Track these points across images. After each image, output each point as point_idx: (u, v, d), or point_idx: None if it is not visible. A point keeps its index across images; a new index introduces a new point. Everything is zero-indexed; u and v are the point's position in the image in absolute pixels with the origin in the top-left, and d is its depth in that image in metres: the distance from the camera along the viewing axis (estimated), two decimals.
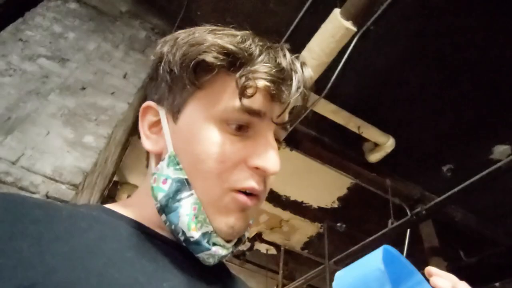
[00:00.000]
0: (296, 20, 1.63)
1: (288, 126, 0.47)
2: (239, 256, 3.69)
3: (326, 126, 2.09)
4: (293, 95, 0.42)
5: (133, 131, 2.13)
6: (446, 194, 1.60)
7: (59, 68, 1.54)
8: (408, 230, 1.88)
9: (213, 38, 0.42)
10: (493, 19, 1.54)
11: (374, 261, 0.39)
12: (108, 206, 0.44)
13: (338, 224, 2.80)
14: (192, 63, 0.41)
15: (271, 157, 0.41)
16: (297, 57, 0.46)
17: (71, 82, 1.50)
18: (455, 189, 1.53)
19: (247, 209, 0.43)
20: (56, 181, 1.19)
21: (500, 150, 1.94)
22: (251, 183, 0.41)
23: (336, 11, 1.46)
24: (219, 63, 0.41)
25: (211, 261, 0.42)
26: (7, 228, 0.31)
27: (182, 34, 0.45)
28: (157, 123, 0.46)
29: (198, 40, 0.42)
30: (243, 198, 0.41)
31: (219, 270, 0.47)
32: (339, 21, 1.44)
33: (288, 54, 0.44)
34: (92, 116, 1.42)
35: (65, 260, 0.31)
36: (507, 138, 1.91)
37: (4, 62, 1.44)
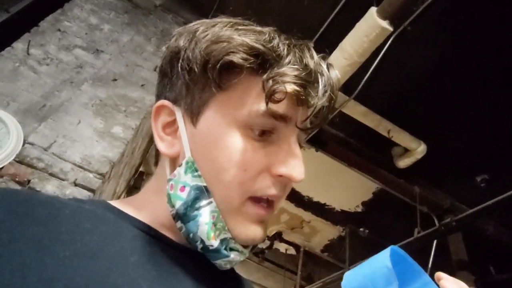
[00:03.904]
0: (330, 18, 1.59)
1: (312, 130, 0.45)
2: (258, 254, 3.69)
3: (355, 128, 2.03)
4: (320, 99, 0.40)
5: None
6: (480, 206, 1.51)
7: (93, 59, 1.58)
8: (435, 242, 1.80)
9: (240, 36, 0.39)
10: None
11: (382, 259, 0.39)
12: (114, 203, 0.42)
13: (361, 229, 2.73)
14: (219, 63, 0.38)
15: (296, 165, 0.40)
16: (323, 57, 0.43)
17: (104, 73, 1.53)
18: (490, 202, 1.44)
19: (265, 220, 0.42)
20: (85, 169, 1.22)
21: None
22: (273, 191, 0.40)
23: (373, 10, 1.40)
24: (248, 65, 0.38)
25: (228, 266, 0.41)
26: (7, 230, 0.30)
27: (201, 27, 0.42)
28: (172, 123, 0.43)
29: (223, 37, 0.39)
30: (261, 210, 0.41)
31: (227, 274, 0.45)
32: (375, 20, 1.38)
33: (314, 54, 0.42)
34: (121, 107, 1.45)
35: (65, 265, 0.30)
36: None
37: (42, 51, 1.50)
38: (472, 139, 1.96)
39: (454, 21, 1.57)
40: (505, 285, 2.45)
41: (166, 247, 0.39)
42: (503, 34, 1.53)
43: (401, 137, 1.93)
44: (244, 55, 0.38)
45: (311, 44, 0.44)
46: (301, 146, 0.46)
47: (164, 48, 0.46)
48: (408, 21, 1.46)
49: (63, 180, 1.17)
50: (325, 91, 0.40)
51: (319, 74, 0.41)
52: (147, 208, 0.43)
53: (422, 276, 0.43)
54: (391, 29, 1.39)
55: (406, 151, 2.03)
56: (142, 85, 1.57)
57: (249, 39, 0.38)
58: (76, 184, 1.18)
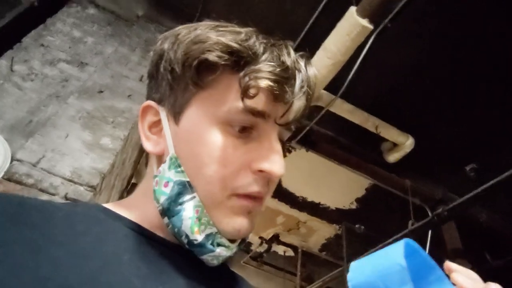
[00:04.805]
0: (312, 19, 1.61)
1: (292, 127, 0.45)
2: (256, 258, 3.69)
3: (343, 126, 2.05)
4: (297, 94, 0.41)
5: None
6: (469, 194, 1.54)
7: (78, 72, 1.57)
8: (430, 232, 1.83)
9: (216, 36, 0.40)
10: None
11: (395, 255, 0.36)
12: (107, 205, 0.44)
13: (357, 226, 2.75)
14: (195, 62, 0.40)
15: (276, 160, 0.40)
16: (301, 55, 0.44)
17: (89, 85, 1.53)
18: (479, 189, 1.47)
19: (252, 211, 0.42)
20: (75, 182, 1.21)
21: None
22: (255, 188, 0.41)
23: (352, 9, 1.43)
24: (223, 62, 0.39)
25: (215, 262, 0.41)
26: (1, 232, 0.30)
27: (184, 31, 0.43)
28: (158, 123, 0.45)
29: (201, 37, 0.41)
30: (247, 202, 0.41)
31: (221, 271, 0.46)
32: (355, 19, 1.41)
33: (292, 52, 0.43)
34: (109, 118, 1.45)
35: (59, 265, 0.30)
36: None
37: (27, 67, 1.49)
38: (458, 130, 2.00)
39: (432, 17, 1.61)
40: (502, 271, 2.49)
41: (157, 246, 0.40)
42: (479, 27, 1.57)
43: (389, 132, 1.96)
44: (219, 53, 0.39)
45: (291, 43, 0.45)
46: (284, 143, 0.46)
47: (151, 53, 0.47)
48: (388, 18, 1.49)
49: (53, 195, 1.16)
50: (302, 87, 0.41)
51: (296, 71, 0.42)
52: (138, 208, 0.44)
53: (435, 270, 0.41)
54: (371, 27, 1.42)
55: (395, 145, 2.05)
56: (129, 96, 1.57)
57: (225, 38, 0.40)
58: (67, 198, 1.17)
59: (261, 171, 0.40)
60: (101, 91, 1.52)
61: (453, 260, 1.92)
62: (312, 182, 2.69)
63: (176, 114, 0.43)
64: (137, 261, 0.36)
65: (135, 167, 2.09)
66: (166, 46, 0.43)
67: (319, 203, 2.90)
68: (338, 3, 1.52)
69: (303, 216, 3.10)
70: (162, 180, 0.41)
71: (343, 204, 2.81)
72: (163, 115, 0.44)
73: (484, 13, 1.54)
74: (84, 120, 1.40)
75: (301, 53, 0.45)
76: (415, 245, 0.41)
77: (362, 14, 1.40)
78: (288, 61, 0.41)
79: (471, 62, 1.70)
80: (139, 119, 0.46)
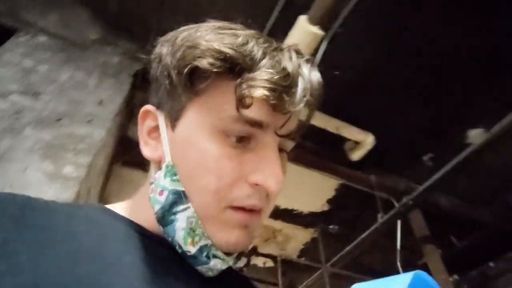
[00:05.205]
0: (265, 31, 1.67)
1: (296, 136, 0.42)
2: None
3: (307, 131, 2.11)
4: (297, 104, 0.38)
5: (115, 158, 2.11)
6: (428, 182, 1.64)
7: (32, 102, 1.52)
8: (399, 223, 1.91)
9: (209, 41, 0.38)
10: (451, 13, 1.63)
11: (399, 284, 0.33)
12: (110, 206, 0.43)
13: (331, 227, 2.81)
14: (186, 69, 0.38)
15: (272, 174, 0.38)
16: (306, 60, 0.41)
17: (46, 114, 1.48)
18: (435, 176, 1.57)
19: (249, 225, 0.40)
20: None
21: (474, 134, 2.02)
22: (251, 201, 0.39)
23: (303, 17, 1.50)
24: (214, 69, 0.37)
25: (210, 274, 0.40)
26: (2, 231, 0.30)
27: (184, 33, 0.42)
28: (156, 128, 0.43)
29: (196, 42, 0.39)
30: (242, 215, 0.39)
31: (224, 274, 0.44)
32: (306, 27, 1.48)
33: (295, 57, 0.40)
34: (70, 146, 1.40)
35: (58, 265, 0.30)
36: (478, 121, 1.99)
37: None
38: (412, 123, 2.13)
39: (379, 20, 1.72)
40: (467, 251, 2.64)
41: (160, 247, 0.39)
42: (423, 26, 1.70)
43: (350, 132, 2.05)
44: (211, 60, 0.37)
45: (296, 47, 0.42)
46: (289, 154, 0.45)
47: (152, 56, 0.46)
48: (337, 24, 1.57)
49: None
50: (303, 96, 0.38)
51: (298, 78, 0.39)
52: (140, 210, 0.43)
53: None
54: (322, 33, 1.50)
55: (356, 144, 2.15)
56: (89, 121, 1.53)
57: (217, 43, 0.38)
58: None
59: (257, 184, 0.38)
60: (59, 119, 1.47)
61: (422, 246, 2.02)
62: (283, 189, 2.68)
63: (172, 121, 0.41)
64: (138, 263, 0.36)
65: (101, 195, 2.02)
66: (164, 50, 0.42)
67: (292, 209, 2.93)
68: (289, 14, 1.60)
69: (278, 224, 3.11)
70: (157, 188, 0.40)
71: (316, 207, 2.86)
72: (161, 120, 0.43)
73: (421, 14, 1.68)
74: (43, 151, 1.35)
75: (306, 57, 0.42)
76: (426, 277, 0.36)
77: (312, 21, 1.48)
78: (290, 67, 0.38)
79: (420, 58, 1.83)
80: (139, 123, 0.45)
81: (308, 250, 3.40)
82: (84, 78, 1.65)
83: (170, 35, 0.44)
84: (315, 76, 0.41)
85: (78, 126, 1.49)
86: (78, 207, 0.40)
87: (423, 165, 2.18)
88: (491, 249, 2.61)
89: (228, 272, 0.45)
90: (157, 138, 0.43)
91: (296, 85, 0.38)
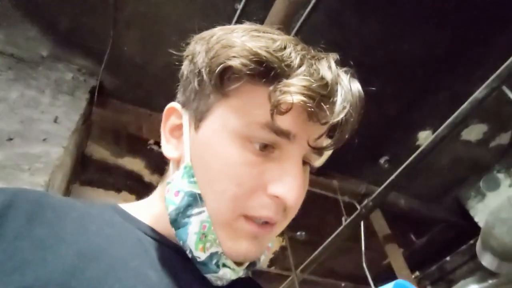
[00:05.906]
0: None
1: (326, 152, 0.41)
2: None
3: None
4: (336, 115, 0.36)
5: (73, 177, 2.02)
6: (385, 183, 1.74)
7: None
8: (362, 224, 1.99)
9: (245, 42, 0.36)
10: (394, 20, 1.76)
11: None
12: (123, 206, 0.42)
13: (298, 233, 2.85)
14: (218, 68, 0.36)
15: (294, 187, 0.37)
16: (346, 71, 0.40)
17: None
18: (391, 177, 1.68)
19: (259, 237, 0.39)
20: None
21: (423, 136, 2.17)
22: (267, 213, 0.38)
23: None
24: (248, 71, 0.36)
25: (219, 283, 0.39)
26: (14, 227, 0.30)
27: (220, 32, 0.40)
28: (180, 126, 0.43)
29: (231, 41, 0.37)
30: (253, 227, 0.38)
31: (235, 281, 0.42)
32: None
33: (334, 66, 0.39)
34: (24, 166, 1.34)
35: (66, 264, 0.30)
36: (427, 124, 2.14)
37: None
38: (367, 129, 2.24)
39: (331, 28, 1.82)
40: (426, 248, 2.79)
41: (169, 252, 0.39)
42: (367, 32, 1.82)
43: None
44: (245, 61, 0.35)
45: (334, 56, 0.41)
46: (313, 168, 0.44)
47: (184, 53, 0.44)
48: (294, 31, 1.64)
49: None
50: (343, 107, 0.36)
51: (338, 88, 0.37)
52: (154, 211, 0.42)
53: None
54: None
55: None
56: (44, 139, 1.47)
57: (254, 45, 0.36)
58: None
59: (275, 196, 0.37)
60: (11, 139, 1.40)
61: (385, 246, 2.10)
62: None
63: (197, 121, 0.40)
64: (146, 267, 0.35)
65: None
66: (197, 47, 0.41)
67: None
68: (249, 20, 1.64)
69: None
70: (174, 188, 0.39)
71: None
72: (185, 119, 0.42)
73: (363, 19, 1.80)
74: None
75: (346, 68, 0.41)
76: (408, 285, 0.37)
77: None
78: (329, 76, 0.37)
79: (366, 65, 1.95)
80: (162, 120, 0.44)
81: (277, 259, 3.42)
82: (36, 95, 1.59)
83: (205, 33, 0.42)
84: (356, 87, 0.40)
85: (33, 145, 1.42)
86: (92, 206, 0.39)
87: (380, 168, 2.30)
88: (447, 244, 2.78)
89: (243, 279, 0.44)
90: (179, 137, 0.43)
91: (335, 95, 0.37)
